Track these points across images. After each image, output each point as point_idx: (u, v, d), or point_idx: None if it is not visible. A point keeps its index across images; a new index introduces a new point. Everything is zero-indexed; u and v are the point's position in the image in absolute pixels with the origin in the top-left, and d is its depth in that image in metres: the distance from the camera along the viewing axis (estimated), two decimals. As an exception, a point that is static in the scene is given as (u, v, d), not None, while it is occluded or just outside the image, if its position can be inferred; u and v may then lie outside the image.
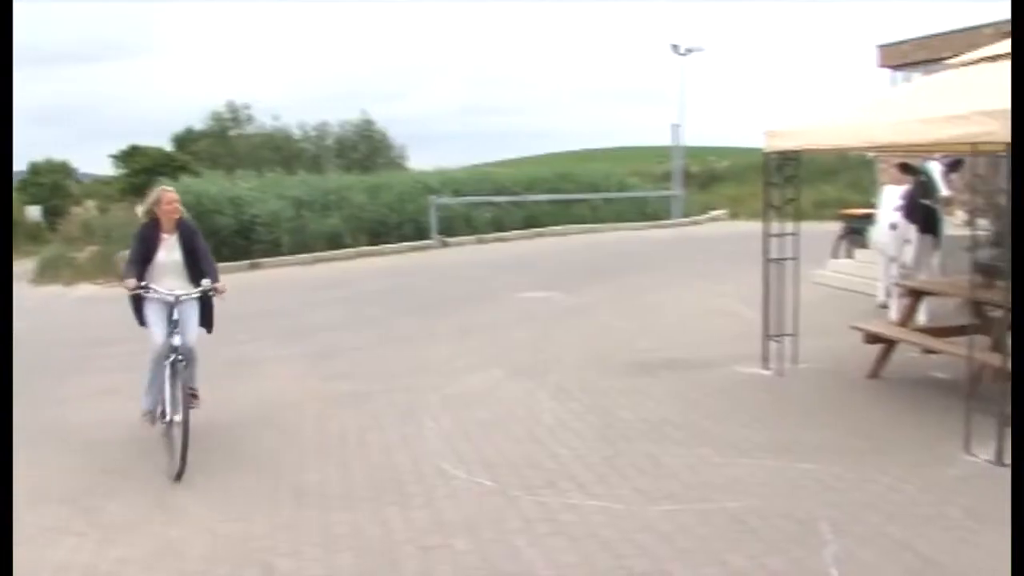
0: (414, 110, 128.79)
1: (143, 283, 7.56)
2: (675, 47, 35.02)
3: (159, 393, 7.50)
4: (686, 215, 31.91)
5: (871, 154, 18.03)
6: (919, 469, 6.75)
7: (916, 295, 9.95)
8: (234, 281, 9.21)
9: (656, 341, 11.56)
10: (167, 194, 7.80)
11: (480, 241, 25.94)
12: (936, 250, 11.78)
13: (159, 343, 7.52)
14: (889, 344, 9.39)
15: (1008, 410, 6.99)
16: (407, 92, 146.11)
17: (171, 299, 7.57)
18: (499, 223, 27.29)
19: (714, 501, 6.21)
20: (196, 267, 7.80)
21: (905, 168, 11.35)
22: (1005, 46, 8.63)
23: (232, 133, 54.01)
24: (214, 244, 22.86)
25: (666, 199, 32.58)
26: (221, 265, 8.57)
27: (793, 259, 9.56)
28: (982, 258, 9.22)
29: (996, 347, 7.70)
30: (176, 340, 7.42)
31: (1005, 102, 6.82)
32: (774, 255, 9.57)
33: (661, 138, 35.42)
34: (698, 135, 76.91)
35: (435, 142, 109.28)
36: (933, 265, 11.81)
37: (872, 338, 9.49)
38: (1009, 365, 7.24)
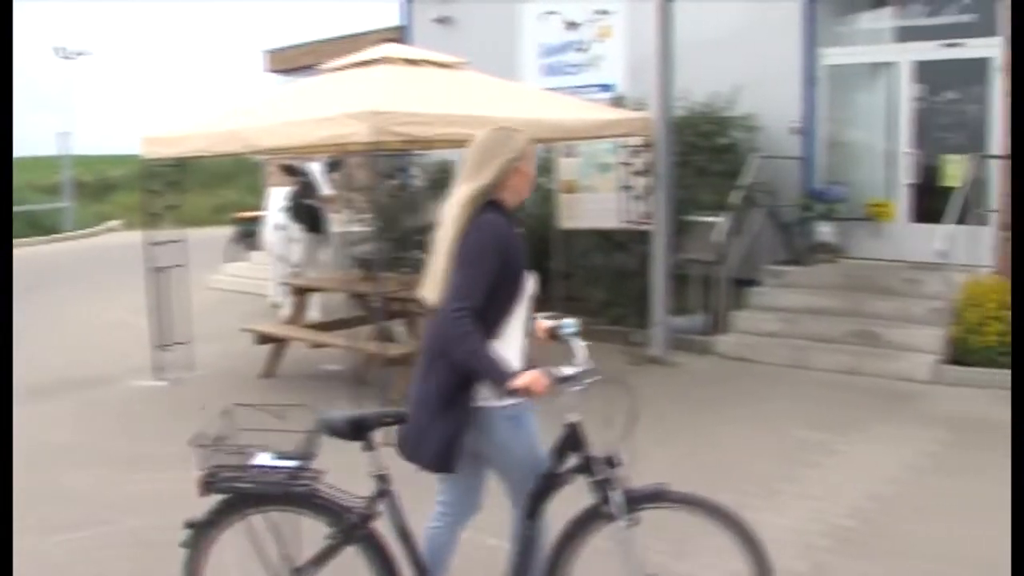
0: None
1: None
2: (60, 50, 33.51)
3: None
4: (80, 227, 30.71)
5: (261, 157, 18.57)
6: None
7: (302, 292, 10.48)
8: None
9: (53, 361, 11.04)
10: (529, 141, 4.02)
11: None
12: (323, 247, 12.45)
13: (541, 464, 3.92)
14: (280, 342, 9.80)
15: (392, 394, 7.64)
16: None
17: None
18: None
19: (116, 522, 6.12)
20: None
21: (288, 170, 11.86)
22: (376, 51, 9.33)
23: None
24: None
25: (59, 211, 31.16)
26: None
27: (179, 266, 9.63)
28: (362, 253, 9.94)
29: (378, 336, 8.33)
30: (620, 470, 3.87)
31: (369, 104, 7.41)
32: (162, 263, 9.59)
33: (52, 147, 33.68)
34: (91, 143, 73.74)
35: None
36: (322, 262, 12.48)
37: (263, 338, 9.84)
38: (390, 351, 7.91)
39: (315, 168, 11.56)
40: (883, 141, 12.06)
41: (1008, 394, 8.48)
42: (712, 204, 10.97)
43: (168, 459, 7.31)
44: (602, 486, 3.80)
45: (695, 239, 10.84)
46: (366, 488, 3.87)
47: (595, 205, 11.43)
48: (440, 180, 13.57)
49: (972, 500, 6.26)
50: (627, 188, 10.54)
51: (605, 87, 13.36)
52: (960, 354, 9.46)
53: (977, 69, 11.21)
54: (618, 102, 12.04)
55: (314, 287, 10.64)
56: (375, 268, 8.33)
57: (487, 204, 3.79)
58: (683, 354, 10.28)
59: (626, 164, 10.43)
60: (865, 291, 10.57)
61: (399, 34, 15.74)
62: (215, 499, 3.99)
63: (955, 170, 10.84)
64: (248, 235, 16.98)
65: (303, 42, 19.17)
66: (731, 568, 3.90)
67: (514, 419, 3.83)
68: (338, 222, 12.83)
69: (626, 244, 10.76)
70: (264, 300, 13.83)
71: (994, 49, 10.90)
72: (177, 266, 9.60)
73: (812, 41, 12.22)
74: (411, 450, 3.87)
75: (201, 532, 3.94)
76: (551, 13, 14.26)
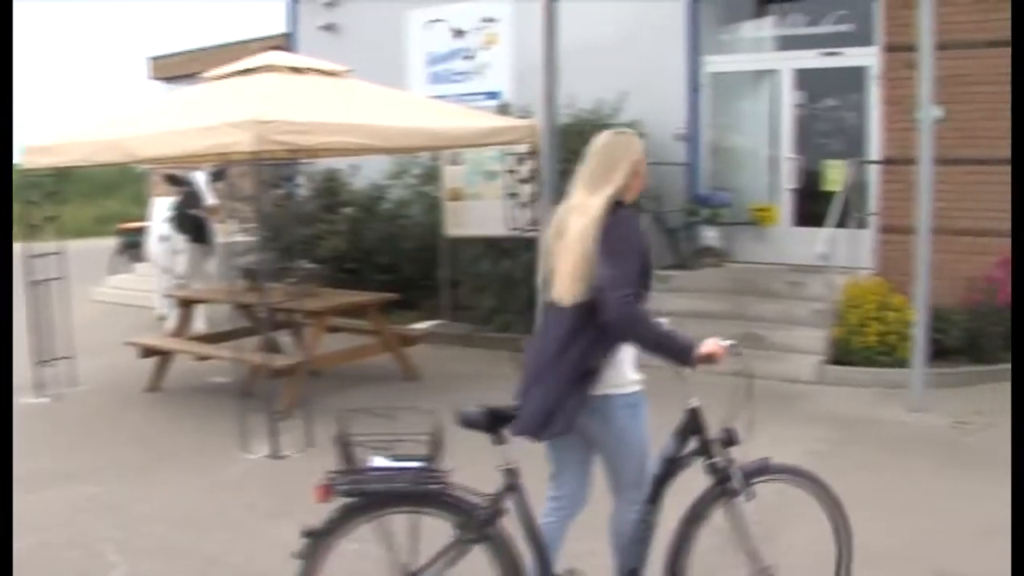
0: None
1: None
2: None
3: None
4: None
5: (144, 167, 18.29)
6: (201, 473, 7.08)
7: (188, 304, 10.36)
8: None
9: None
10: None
11: None
12: (209, 258, 12.30)
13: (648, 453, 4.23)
14: (165, 355, 9.67)
15: (279, 406, 7.61)
16: None
17: None
18: None
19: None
20: None
21: (172, 179, 11.69)
22: (261, 59, 9.27)
23: None
24: None
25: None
26: None
27: (59, 279, 9.44)
28: (247, 263, 9.85)
29: (264, 347, 8.27)
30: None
31: (252, 113, 7.37)
32: (42, 276, 9.39)
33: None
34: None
35: None
36: (207, 273, 12.33)
37: (148, 351, 9.69)
38: (277, 363, 7.87)
39: (199, 178, 11.42)
40: (766, 147, 12.37)
41: (888, 391, 8.84)
42: (598, 210, 11.10)
43: (50, 476, 7.23)
44: (719, 466, 4.09)
45: (581, 245, 10.95)
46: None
47: (481, 213, 11.52)
48: (327, 189, 13.52)
49: (859, 496, 6.40)
50: (513, 195, 10.58)
51: (492, 95, 13.47)
52: (842, 354, 9.74)
53: (855, 77, 11.58)
54: (504, 109, 12.14)
55: (199, 298, 10.53)
56: (261, 279, 8.27)
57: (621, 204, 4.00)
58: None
59: (512, 171, 10.48)
60: (750, 294, 10.82)
61: (285, 41, 15.66)
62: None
63: (835, 175, 11.16)
64: (132, 246, 16.71)
65: (187, 49, 18.92)
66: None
67: (633, 407, 4.05)
68: (223, 232, 12.70)
69: (513, 251, 10.83)
70: (149, 312, 13.62)
71: (871, 58, 11.29)
72: (57, 279, 9.41)
73: (696, 49, 12.48)
74: (539, 428, 3.94)
75: (320, 541, 3.78)
76: (438, 21, 14.34)
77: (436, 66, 14.39)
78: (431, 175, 12.53)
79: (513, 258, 10.81)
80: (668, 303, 10.99)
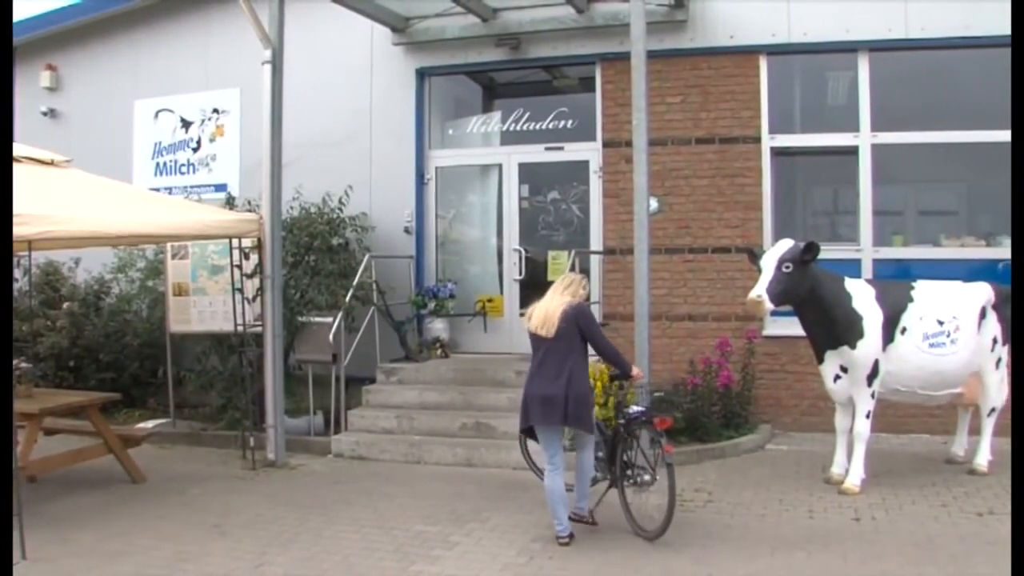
0: None
1: None
2: None
3: None
4: None
5: None
6: None
7: None
8: None
9: None
10: None
11: None
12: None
13: None
14: None
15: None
16: None
17: None
18: None
19: None
20: None
21: None
22: None
23: None
24: None
25: None
26: None
27: None
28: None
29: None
30: None
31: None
32: None
33: None
34: None
35: None
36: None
37: None
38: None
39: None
40: (492, 239, 12.87)
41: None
42: (326, 304, 11.20)
43: None
44: None
45: (310, 339, 11.02)
46: None
47: (207, 308, 11.45)
48: (47, 283, 13.07)
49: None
50: (239, 290, 10.48)
51: (219, 187, 13.46)
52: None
53: (578, 171, 12.27)
54: (230, 202, 12.12)
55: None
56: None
57: None
58: (301, 455, 10.40)
59: (238, 266, 10.41)
60: (478, 384, 11.11)
61: (1, 126, 15.16)
62: None
63: (559, 265, 11.68)
64: None
65: None
66: None
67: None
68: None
69: (240, 347, 10.75)
70: None
71: (592, 153, 11.99)
72: None
73: (423, 144, 12.90)
74: (574, 420, 7.29)
75: None
76: (165, 111, 14.26)
77: (163, 156, 14.26)
78: (156, 269, 12.32)
79: (240, 354, 10.72)
80: (397, 396, 11.18)
